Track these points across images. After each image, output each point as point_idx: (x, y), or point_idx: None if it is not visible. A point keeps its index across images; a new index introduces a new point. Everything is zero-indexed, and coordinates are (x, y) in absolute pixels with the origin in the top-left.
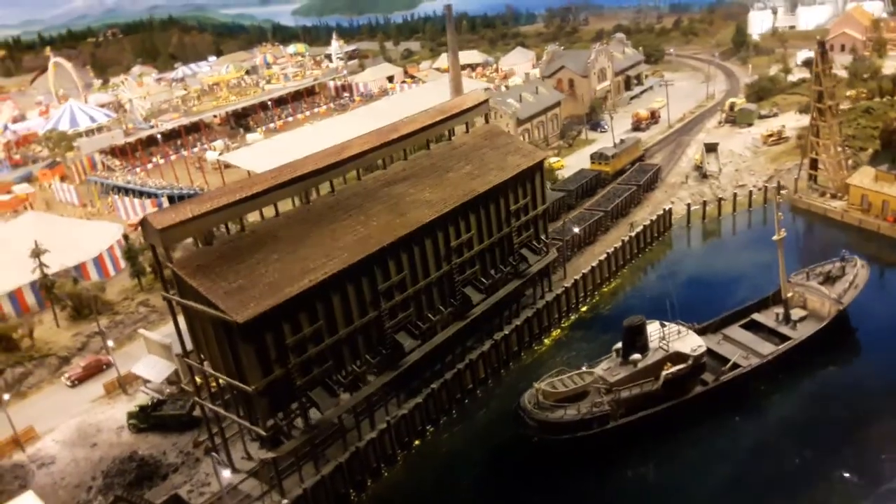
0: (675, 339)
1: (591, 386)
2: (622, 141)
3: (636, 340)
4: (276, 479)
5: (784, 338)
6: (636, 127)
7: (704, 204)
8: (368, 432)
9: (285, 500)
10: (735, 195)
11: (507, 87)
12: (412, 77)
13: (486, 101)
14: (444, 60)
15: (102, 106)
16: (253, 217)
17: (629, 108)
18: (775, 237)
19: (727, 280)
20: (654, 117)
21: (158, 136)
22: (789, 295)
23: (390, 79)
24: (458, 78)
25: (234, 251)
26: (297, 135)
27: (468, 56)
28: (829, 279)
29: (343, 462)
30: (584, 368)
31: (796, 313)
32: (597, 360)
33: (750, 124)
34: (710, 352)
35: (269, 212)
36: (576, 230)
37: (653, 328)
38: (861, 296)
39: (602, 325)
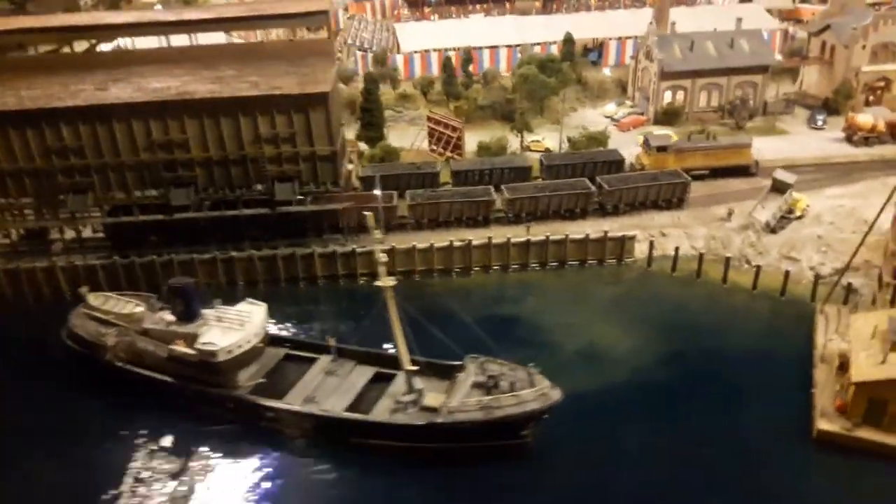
0: (223, 326)
1: (133, 319)
2: (713, 137)
3: (174, 303)
4: None
5: (365, 409)
6: (848, 137)
7: (677, 251)
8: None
9: None
10: (727, 260)
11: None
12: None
13: (323, 13)
14: None
15: None
16: None
17: None
18: (378, 282)
19: (551, 344)
20: (892, 132)
21: None
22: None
23: None
24: (663, 5)
25: None
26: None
27: None
28: (490, 385)
29: None
30: (156, 313)
31: (431, 399)
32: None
33: None
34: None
35: None
36: (377, 192)
37: (243, 307)
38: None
39: (350, 300)
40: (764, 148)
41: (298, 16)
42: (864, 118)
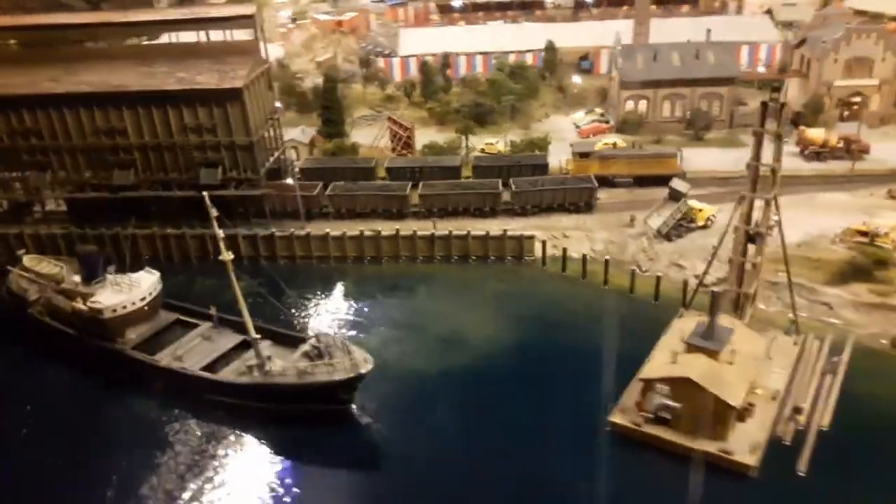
0: (114, 289)
1: (53, 279)
2: (640, 146)
3: (80, 268)
4: None
5: (218, 370)
6: (801, 151)
7: (565, 252)
8: None
9: None
10: (606, 262)
11: None
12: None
13: (249, 17)
14: None
15: None
16: None
17: None
18: (222, 257)
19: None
20: (847, 148)
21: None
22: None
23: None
24: (643, 11)
25: None
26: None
27: None
28: (314, 354)
29: None
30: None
31: (275, 365)
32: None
33: None
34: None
35: None
36: (289, 181)
37: (138, 275)
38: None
39: (266, 277)
40: (709, 159)
41: (229, 19)
42: (815, 132)
